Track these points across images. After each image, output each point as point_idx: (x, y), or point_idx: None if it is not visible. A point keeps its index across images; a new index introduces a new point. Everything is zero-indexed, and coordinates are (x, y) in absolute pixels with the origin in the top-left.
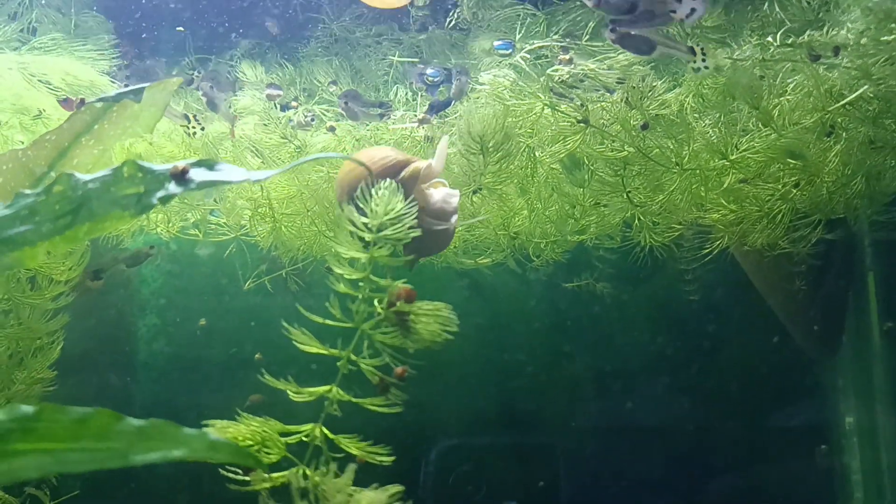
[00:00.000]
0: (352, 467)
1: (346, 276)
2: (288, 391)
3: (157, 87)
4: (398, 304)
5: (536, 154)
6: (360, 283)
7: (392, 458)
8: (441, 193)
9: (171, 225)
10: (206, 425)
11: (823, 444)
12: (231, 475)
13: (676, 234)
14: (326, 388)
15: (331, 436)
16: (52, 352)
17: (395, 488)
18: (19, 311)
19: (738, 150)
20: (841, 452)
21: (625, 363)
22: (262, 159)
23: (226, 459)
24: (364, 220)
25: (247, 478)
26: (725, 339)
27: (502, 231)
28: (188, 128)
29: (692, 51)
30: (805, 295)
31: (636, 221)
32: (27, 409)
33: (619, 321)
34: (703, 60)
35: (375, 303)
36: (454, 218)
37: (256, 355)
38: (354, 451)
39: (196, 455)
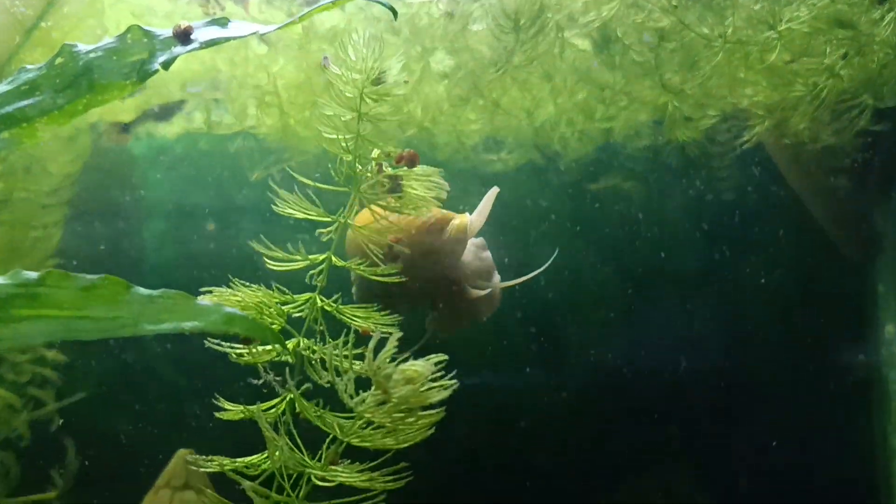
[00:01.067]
0: (395, 335)
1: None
2: (268, 260)
3: None
4: (386, 168)
5: (565, 34)
6: (349, 145)
7: (396, 329)
8: (471, 250)
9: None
10: (205, 293)
11: (861, 353)
12: (217, 346)
13: (710, 122)
14: (324, 255)
15: (332, 306)
16: (50, 242)
17: (439, 357)
18: (14, 204)
19: (782, 21)
20: (880, 362)
21: (652, 266)
22: (269, 45)
23: (241, 332)
24: (354, 76)
25: (243, 349)
26: (759, 242)
27: (526, 121)
28: (207, 9)
29: None
30: (845, 193)
31: (669, 108)
32: (31, 274)
33: (648, 222)
34: None
35: (359, 166)
36: (496, 278)
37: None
38: (360, 324)
39: (211, 327)
